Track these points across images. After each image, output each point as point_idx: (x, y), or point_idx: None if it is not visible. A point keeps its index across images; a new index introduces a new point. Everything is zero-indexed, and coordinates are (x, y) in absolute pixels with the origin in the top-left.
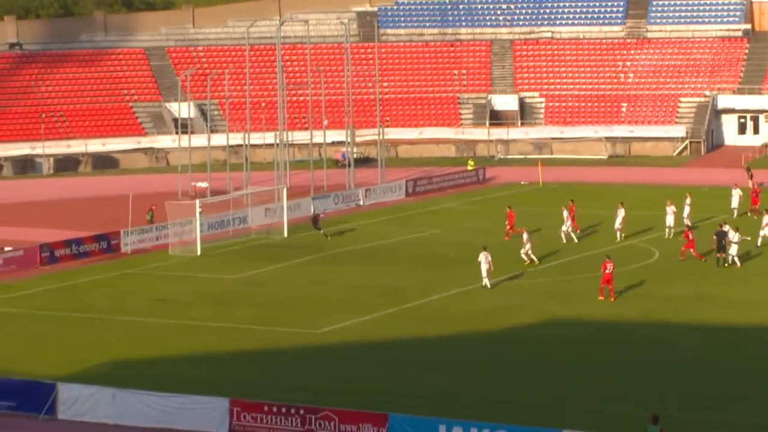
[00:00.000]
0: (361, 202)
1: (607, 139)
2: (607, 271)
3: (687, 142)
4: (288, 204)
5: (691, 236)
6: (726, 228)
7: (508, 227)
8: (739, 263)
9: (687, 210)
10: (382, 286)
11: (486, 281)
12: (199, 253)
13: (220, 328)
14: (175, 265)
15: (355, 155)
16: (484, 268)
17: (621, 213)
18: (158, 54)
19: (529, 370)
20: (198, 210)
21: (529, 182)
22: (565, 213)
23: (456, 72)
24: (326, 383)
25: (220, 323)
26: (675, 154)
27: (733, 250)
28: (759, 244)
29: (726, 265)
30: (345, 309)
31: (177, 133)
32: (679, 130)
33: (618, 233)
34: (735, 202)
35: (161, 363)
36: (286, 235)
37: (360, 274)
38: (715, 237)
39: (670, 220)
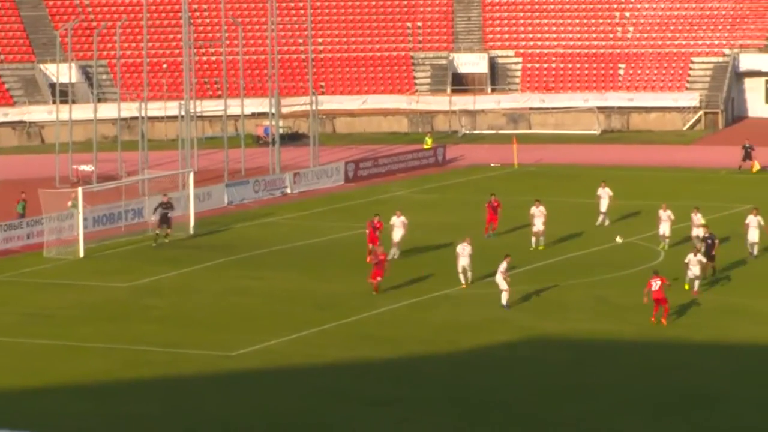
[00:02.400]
0: (289, 190)
1: (600, 109)
2: (653, 288)
3: (701, 113)
4: (195, 192)
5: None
6: (706, 234)
7: (490, 220)
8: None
9: (665, 226)
10: (315, 296)
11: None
12: (81, 254)
13: (110, 350)
14: (52, 271)
15: (281, 130)
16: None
17: (606, 193)
18: (31, 2)
19: (505, 402)
20: (70, 202)
21: (501, 164)
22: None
23: (409, 25)
24: (244, 420)
25: (110, 344)
26: (686, 128)
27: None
28: (755, 252)
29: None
30: (268, 326)
31: (55, 102)
32: (690, 98)
33: (602, 216)
34: (665, 229)
35: (36, 395)
36: (192, 231)
37: (287, 281)
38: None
39: (665, 228)
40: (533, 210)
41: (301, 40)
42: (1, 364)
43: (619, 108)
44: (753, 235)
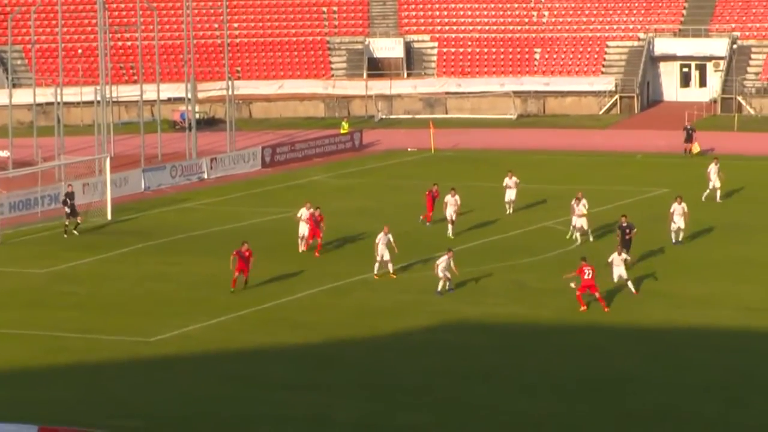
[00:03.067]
0: (206, 175)
1: (516, 93)
2: (586, 277)
3: (616, 97)
4: (112, 178)
5: (588, 274)
6: (625, 223)
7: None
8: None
9: (578, 219)
10: (228, 281)
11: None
12: None
13: (27, 336)
14: None
15: (197, 115)
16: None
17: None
18: None
19: (422, 386)
20: None
21: (417, 149)
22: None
23: (325, 10)
24: (163, 406)
25: (26, 330)
26: (601, 112)
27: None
28: (680, 239)
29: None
30: (185, 311)
31: None
32: (606, 83)
33: (508, 206)
34: (581, 222)
35: None
36: (110, 217)
37: (204, 267)
38: (618, 231)
39: (577, 220)
40: (447, 198)
41: (216, 25)
42: None
43: (535, 92)
44: (679, 222)
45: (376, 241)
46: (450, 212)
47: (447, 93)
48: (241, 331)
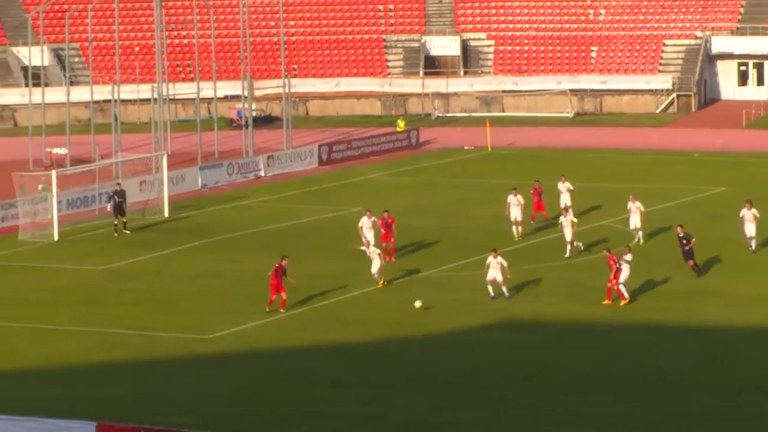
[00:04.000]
0: (262, 173)
1: (573, 92)
2: (617, 266)
3: (673, 95)
4: (169, 175)
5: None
6: (682, 233)
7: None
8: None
9: (635, 218)
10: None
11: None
12: (56, 237)
13: (83, 333)
14: (26, 254)
15: (254, 113)
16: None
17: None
18: None
19: (473, 385)
20: (40, 186)
21: (474, 147)
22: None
23: (381, 8)
24: (218, 403)
25: (83, 327)
26: (658, 110)
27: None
28: (753, 247)
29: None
30: (241, 309)
31: (27, 85)
32: (663, 81)
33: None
34: (635, 221)
35: (8, 378)
36: (167, 214)
37: (260, 264)
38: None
39: (635, 220)
40: (510, 198)
41: (273, 23)
42: None
43: (592, 91)
44: (750, 229)
45: (360, 224)
46: (515, 213)
47: (503, 91)
48: (296, 329)
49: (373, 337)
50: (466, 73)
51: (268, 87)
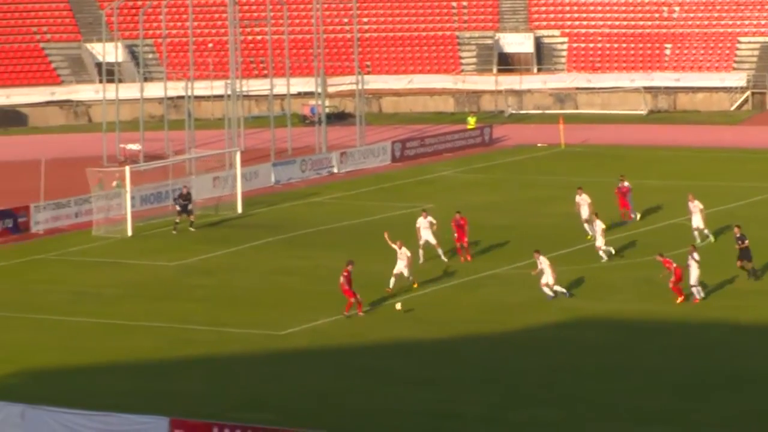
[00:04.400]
0: (335, 169)
1: (647, 89)
2: (674, 266)
3: (748, 93)
4: (242, 171)
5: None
6: (738, 234)
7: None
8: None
9: (696, 219)
10: (362, 276)
11: (551, 290)
12: (130, 233)
13: (157, 328)
14: (100, 249)
15: (327, 110)
16: (547, 275)
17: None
18: None
19: (548, 383)
20: (115, 182)
21: (547, 144)
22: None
23: (455, 5)
24: (291, 399)
25: (157, 323)
26: (733, 108)
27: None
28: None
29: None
30: (315, 305)
31: (101, 81)
32: (738, 78)
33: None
34: (698, 222)
35: (82, 373)
36: (240, 210)
37: (334, 261)
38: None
39: (696, 220)
40: (577, 198)
41: (346, 20)
42: (49, 342)
43: (666, 88)
44: None
45: (417, 224)
46: (585, 213)
47: (577, 88)
48: (369, 326)
49: (447, 334)
50: (539, 70)
51: (341, 84)
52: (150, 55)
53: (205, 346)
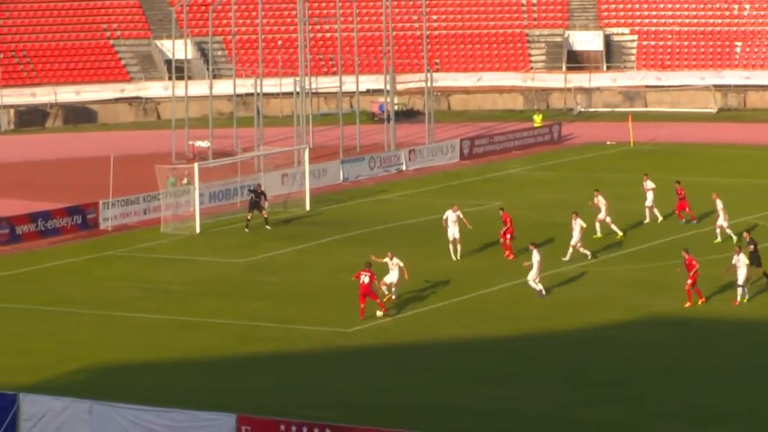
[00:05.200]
0: (404, 167)
1: (717, 87)
2: (696, 267)
3: None
4: (311, 169)
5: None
6: (748, 239)
7: (680, 208)
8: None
9: (722, 216)
10: (429, 273)
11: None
12: (198, 230)
13: (224, 325)
14: (168, 246)
15: (396, 107)
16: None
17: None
18: None
19: (615, 381)
20: (185, 179)
21: (616, 142)
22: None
23: (524, 2)
24: (358, 396)
25: (224, 319)
26: None
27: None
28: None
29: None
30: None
31: (170, 78)
32: None
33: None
34: (721, 221)
35: (150, 369)
36: (308, 207)
37: (402, 258)
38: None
39: (721, 219)
40: (595, 200)
41: (415, 17)
42: (117, 338)
43: (736, 86)
44: None
45: (444, 217)
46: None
47: (646, 86)
48: (436, 323)
49: (513, 332)
50: (608, 68)
51: (410, 81)
52: (219, 52)
53: (272, 343)
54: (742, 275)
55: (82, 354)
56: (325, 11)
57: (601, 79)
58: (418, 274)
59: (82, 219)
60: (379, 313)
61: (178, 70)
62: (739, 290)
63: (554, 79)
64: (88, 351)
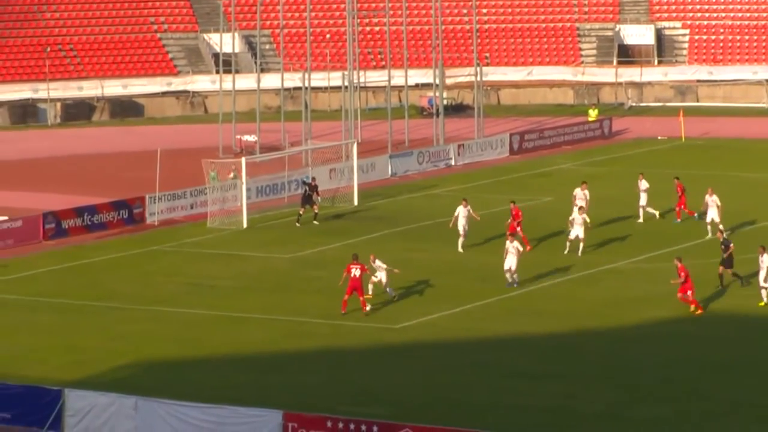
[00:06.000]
0: (453, 162)
1: None
2: (684, 276)
3: None
4: (359, 163)
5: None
6: (721, 238)
7: (680, 205)
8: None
9: (713, 212)
10: (478, 268)
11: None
12: (245, 225)
13: (271, 321)
14: (215, 241)
15: (445, 101)
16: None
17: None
18: None
19: (669, 378)
20: (232, 174)
21: (668, 137)
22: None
23: None
24: (407, 393)
25: (271, 315)
26: None
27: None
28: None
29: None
30: (431, 298)
31: (218, 72)
32: None
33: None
34: (713, 215)
35: (196, 365)
36: (356, 202)
37: (450, 254)
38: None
39: (712, 213)
40: (707, 198)
41: (465, 11)
42: (164, 334)
43: None
44: None
45: (456, 213)
46: (713, 213)
47: (698, 81)
48: (485, 319)
49: (564, 328)
50: (660, 62)
51: (460, 75)
52: (267, 46)
53: (319, 339)
54: (762, 276)
55: (129, 349)
56: (373, 5)
57: (653, 73)
58: (466, 270)
59: (129, 213)
60: (367, 308)
61: (226, 64)
62: (763, 292)
63: (605, 74)
64: (135, 346)
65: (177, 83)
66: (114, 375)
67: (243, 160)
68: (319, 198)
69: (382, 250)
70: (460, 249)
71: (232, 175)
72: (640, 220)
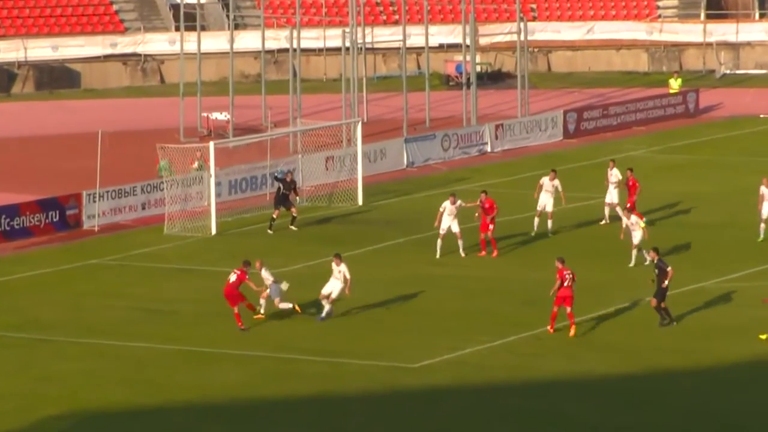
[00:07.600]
0: (489, 148)
1: None
2: (565, 284)
3: None
4: (365, 150)
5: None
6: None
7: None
8: None
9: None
10: (521, 289)
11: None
12: (213, 231)
13: (251, 358)
14: (174, 252)
15: (478, 68)
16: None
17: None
18: None
19: (760, 426)
20: (195, 163)
21: None
22: None
23: None
24: None
25: (249, 350)
26: None
27: None
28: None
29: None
30: (460, 328)
31: (178, 29)
32: None
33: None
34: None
35: (151, 415)
36: (360, 202)
37: (485, 270)
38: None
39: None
40: (763, 189)
41: None
42: (107, 375)
43: None
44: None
45: (441, 209)
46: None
47: None
48: (531, 355)
49: (636, 368)
50: (762, 16)
51: (498, 33)
52: None
53: (311, 382)
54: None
55: (61, 395)
56: None
57: (753, 30)
58: (505, 292)
59: (60, 216)
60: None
61: (189, 18)
62: None
63: (690, 31)
64: (69, 391)
65: (124, 44)
66: (44, 428)
67: (211, 144)
68: (297, 198)
69: (394, 264)
70: (440, 253)
71: (196, 165)
72: (605, 221)
